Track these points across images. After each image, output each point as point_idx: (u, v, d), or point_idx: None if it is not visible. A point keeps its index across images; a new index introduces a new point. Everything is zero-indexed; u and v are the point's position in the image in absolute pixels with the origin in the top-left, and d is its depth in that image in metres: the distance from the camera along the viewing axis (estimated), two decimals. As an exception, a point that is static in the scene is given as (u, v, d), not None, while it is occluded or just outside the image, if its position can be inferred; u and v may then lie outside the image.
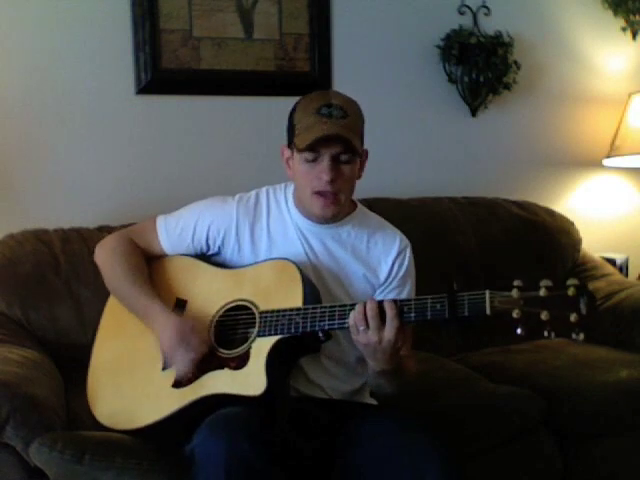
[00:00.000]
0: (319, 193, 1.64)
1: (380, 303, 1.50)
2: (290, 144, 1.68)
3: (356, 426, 1.61)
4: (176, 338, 1.61)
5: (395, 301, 1.51)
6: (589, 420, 2.10)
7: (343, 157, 1.62)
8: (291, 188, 1.76)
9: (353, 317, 1.50)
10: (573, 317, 1.37)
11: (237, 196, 1.79)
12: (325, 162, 1.61)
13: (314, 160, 1.62)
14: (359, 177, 1.70)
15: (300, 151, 1.62)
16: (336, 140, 1.59)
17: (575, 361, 2.29)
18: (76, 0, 2.44)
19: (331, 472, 1.58)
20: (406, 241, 1.77)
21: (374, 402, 1.81)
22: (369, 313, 1.48)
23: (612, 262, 2.97)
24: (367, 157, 1.72)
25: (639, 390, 2.15)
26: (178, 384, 1.61)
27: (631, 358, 2.32)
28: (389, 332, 1.48)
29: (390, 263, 1.73)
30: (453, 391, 2.07)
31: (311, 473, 1.58)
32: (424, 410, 1.81)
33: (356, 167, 1.67)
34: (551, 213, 2.90)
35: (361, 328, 1.49)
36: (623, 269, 3.00)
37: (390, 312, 1.48)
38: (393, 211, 2.39)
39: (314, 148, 1.60)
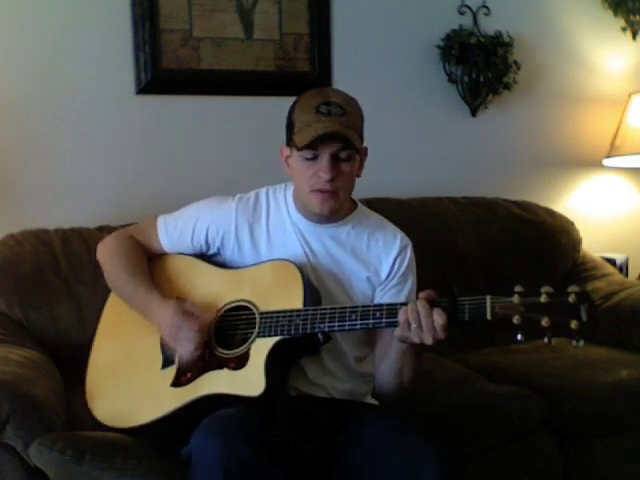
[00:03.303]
0: (317, 190, 1.63)
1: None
2: (289, 142, 1.68)
3: (356, 426, 1.60)
4: (177, 317, 1.60)
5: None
6: (589, 420, 2.09)
7: (342, 155, 1.61)
8: (291, 188, 1.76)
9: (405, 313, 1.49)
10: (574, 324, 1.37)
11: (237, 196, 1.78)
12: (324, 161, 1.60)
13: (313, 158, 1.61)
14: (359, 175, 1.70)
15: (299, 149, 1.62)
16: (334, 138, 1.58)
17: (575, 361, 2.29)
18: (76, 0, 2.44)
19: (331, 472, 1.58)
20: (407, 239, 1.77)
21: (375, 402, 1.81)
22: (422, 312, 1.46)
23: (612, 262, 2.96)
24: (367, 155, 1.70)
25: (639, 390, 2.15)
26: (177, 383, 1.61)
27: (631, 358, 2.32)
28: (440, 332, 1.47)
29: (391, 262, 1.73)
30: (453, 391, 2.07)
31: (311, 473, 1.58)
32: (424, 410, 1.81)
33: (355, 165, 1.66)
34: (551, 213, 2.90)
35: (414, 325, 1.48)
36: (623, 269, 2.99)
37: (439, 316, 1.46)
38: (393, 211, 2.38)
39: (313, 146, 1.59)
